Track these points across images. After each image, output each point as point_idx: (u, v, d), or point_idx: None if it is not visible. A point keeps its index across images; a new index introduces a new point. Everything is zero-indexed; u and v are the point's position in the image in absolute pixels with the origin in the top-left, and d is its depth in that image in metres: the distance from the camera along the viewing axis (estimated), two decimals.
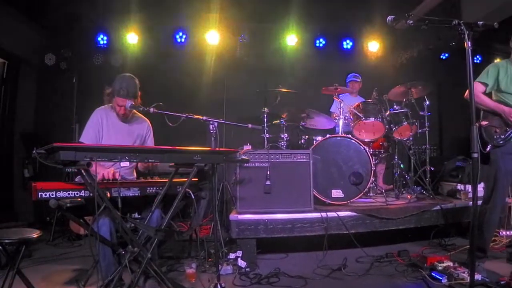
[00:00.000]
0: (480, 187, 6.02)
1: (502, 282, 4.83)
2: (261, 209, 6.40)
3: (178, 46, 10.77)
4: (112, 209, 4.00)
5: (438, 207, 7.03)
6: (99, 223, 4.51)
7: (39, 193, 3.74)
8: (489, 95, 5.73)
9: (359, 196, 7.26)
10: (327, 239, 6.27)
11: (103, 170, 4.83)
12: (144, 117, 5.86)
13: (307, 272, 5.71)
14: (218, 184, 8.05)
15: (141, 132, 5.78)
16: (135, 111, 5.56)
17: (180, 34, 10.63)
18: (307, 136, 8.26)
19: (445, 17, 4.10)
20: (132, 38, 10.48)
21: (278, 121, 8.59)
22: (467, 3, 9.81)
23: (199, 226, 7.58)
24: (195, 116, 5.23)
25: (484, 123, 5.59)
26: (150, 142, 5.86)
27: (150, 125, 5.92)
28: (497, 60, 8.40)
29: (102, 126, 5.43)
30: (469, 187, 7.81)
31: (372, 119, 7.96)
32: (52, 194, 3.79)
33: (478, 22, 3.98)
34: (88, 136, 5.33)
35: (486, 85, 5.62)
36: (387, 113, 8.27)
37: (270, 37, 11.21)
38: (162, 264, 6.02)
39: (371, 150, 8.14)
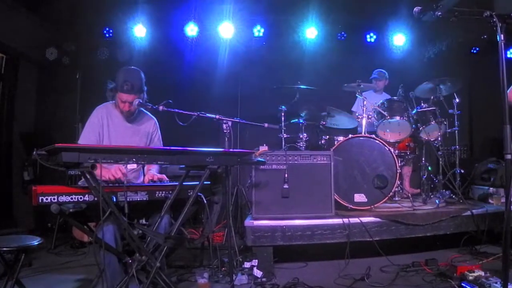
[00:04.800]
0: None
1: None
2: (279, 215, 6.40)
3: (189, 40, 10.73)
4: (118, 215, 3.98)
5: (468, 213, 6.98)
6: (103, 229, 4.49)
7: (40, 198, 3.69)
8: None
9: (383, 200, 7.22)
10: (349, 247, 6.25)
11: (108, 172, 4.82)
12: (151, 115, 5.79)
13: (328, 282, 5.69)
14: (232, 188, 8.04)
15: (147, 131, 5.70)
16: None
17: (191, 26, 10.55)
18: (327, 136, 8.22)
19: (476, 8, 4.07)
20: (139, 30, 10.46)
21: (296, 120, 8.58)
22: None
23: (212, 233, 7.58)
24: (208, 115, 5.23)
25: None
26: (157, 142, 5.78)
27: (157, 123, 5.85)
28: None
29: (103, 127, 5.35)
30: (502, 191, 7.76)
31: (397, 118, 7.93)
32: (54, 199, 3.75)
33: None
34: (87, 138, 5.25)
35: None
36: (414, 112, 8.23)
37: (288, 29, 11.17)
38: (172, 273, 6.02)
39: (397, 151, 8.09)
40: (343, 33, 11.39)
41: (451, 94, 8.40)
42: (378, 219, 6.56)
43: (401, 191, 8.28)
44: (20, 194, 9.34)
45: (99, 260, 4.38)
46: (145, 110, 5.65)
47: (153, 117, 5.82)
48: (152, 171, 5.48)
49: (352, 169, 7.22)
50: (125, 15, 10.32)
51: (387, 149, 7.34)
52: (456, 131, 8.42)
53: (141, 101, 5.23)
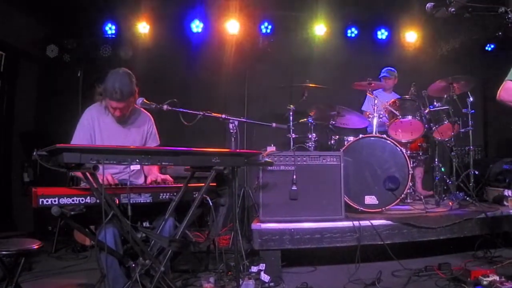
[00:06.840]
0: None
1: None
2: (287, 217, 6.38)
3: (195, 36, 10.73)
4: (121, 218, 3.96)
5: (483, 215, 6.93)
6: (103, 232, 4.46)
7: (40, 200, 3.68)
8: None
9: (395, 203, 7.20)
10: (359, 251, 6.22)
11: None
12: (144, 110, 5.57)
13: (337, 287, 5.68)
14: (239, 190, 8.02)
15: (143, 129, 5.56)
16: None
17: (197, 23, 10.56)
18: (337, 136, 8.22)
19: (490, 4, 4.05)
20: (143, 27, 10.44)
21: (305, 119, 8.57)
22: None
23: (218, 236, 7.56)
24: (213, 114, 5.21)
25: None
26: (153, 140, 5.67)
27: (152, 119, 5.69)
28: None
29: (94, 129, 5.21)
30: None
31: (409, 117, 7.93)
32: (55, 201, 3.74)
33: None
34: (78, 142, 5.11)
35: None
36: (427, 111, 8.20)
37: (296, 26, 11.14)
38: (177, 278, 6.02)
39: (409, 152, 8.09)
40: (353, 29, 11.36)
41: (465, 92, 8.37)
42: (389, 222, 6.53)
43: (413, 193, 8.27)
44: (20, 196, 9.30)
45: (102, 264, 4.37)
46: (136, 106, 5.43)
47: (147, 113, 5.63)
48: (153, 171, 5.44)
49: (363, 170, 7.20)
50: (128, 11, 10.28)
51: (399, 149, 7.30)
52: (470, 131, 8.39)
53: (144, 100, 5.17)
